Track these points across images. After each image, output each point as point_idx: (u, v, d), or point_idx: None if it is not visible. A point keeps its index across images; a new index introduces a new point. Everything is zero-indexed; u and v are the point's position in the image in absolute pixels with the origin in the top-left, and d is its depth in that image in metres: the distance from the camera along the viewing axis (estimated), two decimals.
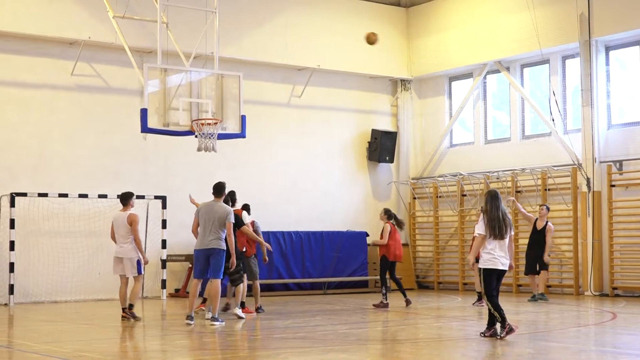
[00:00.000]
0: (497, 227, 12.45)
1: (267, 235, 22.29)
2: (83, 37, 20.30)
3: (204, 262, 14.58)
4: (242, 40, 22.39)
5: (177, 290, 21.41)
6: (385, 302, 17.93)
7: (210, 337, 13.40)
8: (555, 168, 21.92)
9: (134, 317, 15.35)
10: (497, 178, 23.16)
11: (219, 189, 15.16)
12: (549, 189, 22.13)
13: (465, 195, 23.99)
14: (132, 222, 15.57)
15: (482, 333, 12.72)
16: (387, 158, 24.96)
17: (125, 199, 15.97)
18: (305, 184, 23.86)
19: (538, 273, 19.83)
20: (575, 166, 21.52)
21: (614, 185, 21.15)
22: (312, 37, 23.67)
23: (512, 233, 12.77)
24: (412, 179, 25.39)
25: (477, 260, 13.20)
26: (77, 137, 20.81)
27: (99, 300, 20.11)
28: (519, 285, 22.65)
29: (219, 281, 14.56)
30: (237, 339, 13.05)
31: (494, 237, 12.46)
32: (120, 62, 20.68)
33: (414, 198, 25.41)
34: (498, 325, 12.55)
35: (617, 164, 21.09)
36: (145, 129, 17.23)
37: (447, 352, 11.92)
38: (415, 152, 25.71)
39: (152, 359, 11.59)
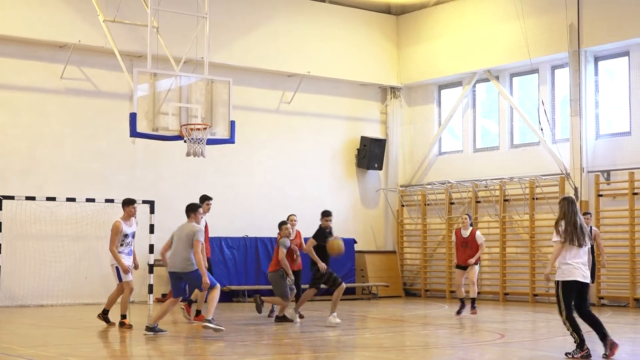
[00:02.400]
0: (576, 233, 11.40)
1: (255, 241, 22.28)
2: (73, 40, 20.25)
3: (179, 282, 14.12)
4: (233, 45, 22.37)
5: (164, 295, 21.32)
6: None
7: (195, 343, 13.35)
8: (543, 177, 21.95)
9: (107, 322, 15.33)
10: (486, 186, 23.18)
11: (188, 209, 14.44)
12: (536, 198, 22.15)
13: (453, 203, 24.00)
14: (111, 230, 15.14)
15: (569, 354, 11.52)
16: (376, 165, 24.95)
17: (122, 205, 15.45)
18: (294, 190, 23.82)
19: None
20: (563, 175, 21.55)
21: (601, 195, 21.19)
22: (303, 44, 23.67)
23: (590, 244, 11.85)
24: (401, 186, 25.39)
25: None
26: (66, 140, 20.74)
27: (85, 305, 20.02)
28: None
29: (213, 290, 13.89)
30: (221, 344, 13.00)
31: (574, 244, 11.37)
32: (110, 66, 20.62)
33: (402, 205, 25.40)
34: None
35: (605, 174, 21.14)
36: (134, 133, 17.19)
37: (433, 359, 11.90)
38: (404, 160, 25.72)
39: None
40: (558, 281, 11.48)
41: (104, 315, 15.42)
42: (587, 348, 11.42)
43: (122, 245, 15.04)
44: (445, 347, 13.33)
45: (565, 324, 11.47)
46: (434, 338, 14.38)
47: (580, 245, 11.45)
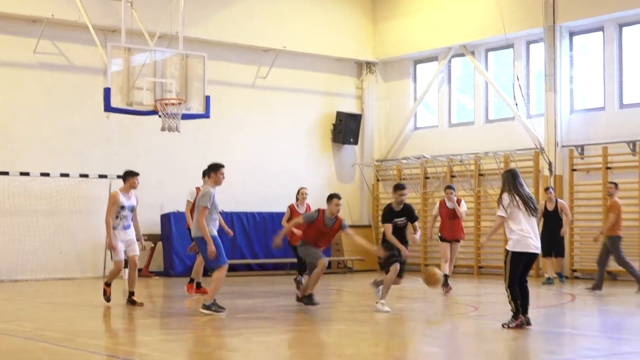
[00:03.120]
0: (528, 205, 11.42)
1: (231, 215, 22.29)
2: (46, 14, 20.10)
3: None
4: (208, 20, 22.26)
5: (139, 270, 21.25)
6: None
7: (172, 317, 13.37)
8: (518, 152, 22.06)
9: (133, 303, 14.26)
10: (461, 161, 23.27)
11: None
12: None
13: (428, 177, 24.08)
14: (108, 200, 14.37)
15: (505, 324, 11.59)
16: (352, 140, 24.99)
17: (123, 176, 14.63)
18: (270, 165, 23.82)
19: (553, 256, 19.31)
20: (537, 150, 21.67)
21: (575, 170, 21.33)
22: (279, 19, 23.59)
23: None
24: (376, 161, 25.44)
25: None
26: (40, 115, 20.63)
27: (59, 280, 19.99)
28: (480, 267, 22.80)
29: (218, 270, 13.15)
30: (198, 319, 13.02)
31: (526, 216, 11.39)
32: (83, 40, 20.48)
33: (378, 180, 25.47)
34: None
35: (579, 149, 21.27)
36: (108, 108, 17.16)
37: (407, 332, 11.99)
38: (380, 135, 25.75)
39: (114, 338, 11.54)
40: (508, 251, 11.54)
41: (130, 298, 14.26)
42: (522, 317, 11.59)
43: (117, 218, 14.13)
44: (420, 320, 13.41)
45: (506, 291, 11.62)
46: (408, 312, 14.47)
47: (530, 215, 11.50)
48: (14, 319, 13.14)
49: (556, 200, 19.41)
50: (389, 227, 13.78)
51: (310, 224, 14.12)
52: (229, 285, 17.71)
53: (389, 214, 13.89)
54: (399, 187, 14.01)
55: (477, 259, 22.76)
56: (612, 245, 17.40)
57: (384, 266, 13.86)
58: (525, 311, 11.70)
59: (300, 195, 16.96)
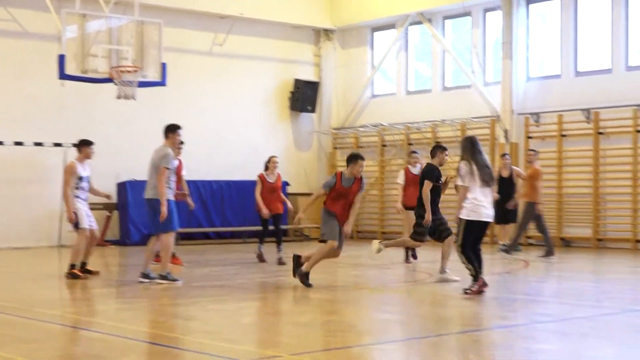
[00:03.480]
0: (484, 174, 11.52)
1: (188, 184, 22.22)
2: None
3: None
4: None
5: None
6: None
7: (127, 286, 13.40)
8: (474, 120, 22.25)
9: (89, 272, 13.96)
10: (418, 129, 23.43)
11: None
12: None
13: (385, 145, 24.22)
14: (64, 172, 14.21)
15: (466, 290, 11.73)
16: (309, 108, 25.04)
17: (79, 145, 14.26)
18: (227, 133, 23.81)
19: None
20: (493, 118, 21.88)
21: (531, 137, 21.58)
22: None
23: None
24: (334, 129, 25.53)
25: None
26: None
27: (13, 249, 19.89)
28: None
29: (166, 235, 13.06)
30: (153, 287, 13.06)
31: (480, 185, 11.50)
32: (37, 6, 20.23)
33: (335, 148, 25.57)
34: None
35: (535, 116, 21.51)
36: (62, 75, 17.08)
37: (361, 299, 12.13)
38: (337, 103, 25.82)
39: (70, 307, 11.55)
40: (462, 219, 11.58)
41: (83, 269, 13.91)
42: (482, 279, 11.69)
43: (77, 189, 13.76)
44: (374, 287, 13.55)
45: (460, 257, 11.71)
46: (364, 278, 14.63)
47: (485, 185, 11.55)
48: None
49: (511, 167, 19.58)
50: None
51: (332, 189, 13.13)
52: (184, 253, 17.76)
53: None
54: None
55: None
56: (528, 211, 17.58)
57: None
58: (477, 276, 11.82)
59: (271, 164, 16.84)
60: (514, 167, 19.58)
